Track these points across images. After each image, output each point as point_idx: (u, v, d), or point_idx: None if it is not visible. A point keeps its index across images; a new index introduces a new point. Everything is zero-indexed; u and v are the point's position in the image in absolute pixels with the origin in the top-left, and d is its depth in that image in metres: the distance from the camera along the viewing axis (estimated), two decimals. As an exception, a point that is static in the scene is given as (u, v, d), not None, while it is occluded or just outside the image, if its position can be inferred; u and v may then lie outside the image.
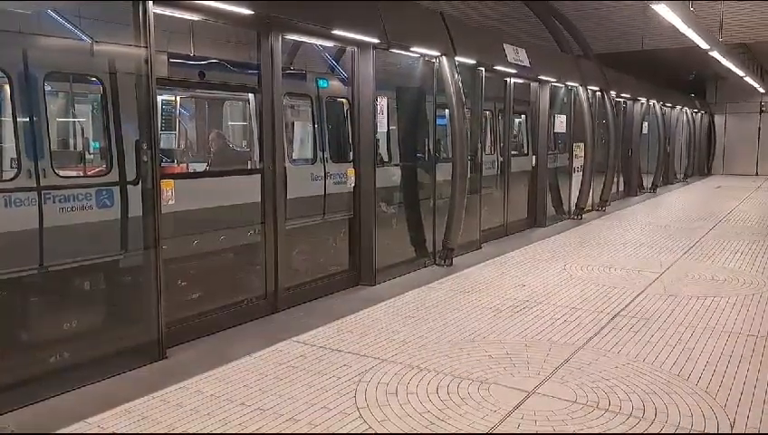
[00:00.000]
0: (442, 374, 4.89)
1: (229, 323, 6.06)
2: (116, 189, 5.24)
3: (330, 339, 5.70)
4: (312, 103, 8.23)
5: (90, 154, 7.83)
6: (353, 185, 7.74)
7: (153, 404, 4.34)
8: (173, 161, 9.01)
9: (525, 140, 13.12)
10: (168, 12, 5.38)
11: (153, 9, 5.09)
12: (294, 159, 8.62)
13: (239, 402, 4.37)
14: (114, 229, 5.28)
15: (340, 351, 5.40)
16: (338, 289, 7.43)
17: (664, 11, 9.66)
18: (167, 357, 5.23)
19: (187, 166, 8.83)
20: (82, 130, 8.43)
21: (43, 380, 4.56)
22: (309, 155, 8.52)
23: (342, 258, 7.93)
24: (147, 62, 5.08)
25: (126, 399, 4.39)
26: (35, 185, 4.74)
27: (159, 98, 8.96)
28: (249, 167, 7.64)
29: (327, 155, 8.00)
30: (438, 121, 9.46)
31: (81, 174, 6.10)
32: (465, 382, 4.73)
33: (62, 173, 5.20)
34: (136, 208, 5.27)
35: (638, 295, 7.20)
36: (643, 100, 18.69)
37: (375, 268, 7.75)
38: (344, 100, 8.27)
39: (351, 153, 7.90)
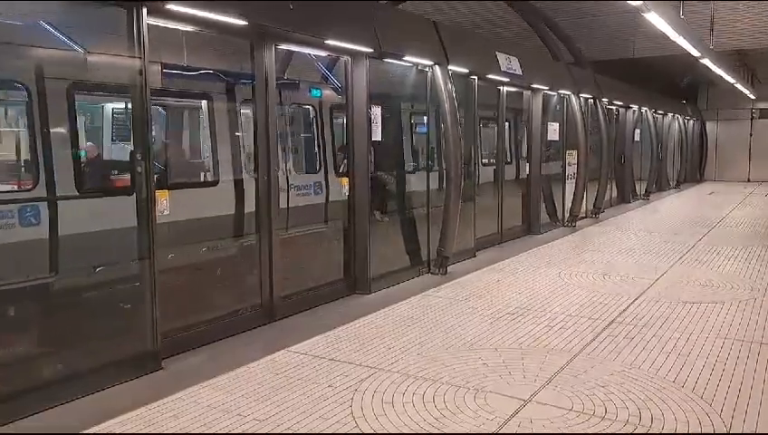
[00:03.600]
0: (438, 383, 4.88)
1: (225, 333, 6.04)
2: (43, 206, 4.80)
3: (326, 348, 5.69)
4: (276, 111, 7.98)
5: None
6: (347, 194, 7.73)
7: (150, 415, 4.33)
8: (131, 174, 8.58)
9: (509, 148, 13.10)
10: (156, 22, 5.38)
11: (148, 20, 5.10)
12: (254, 170, 8.35)
13: (237, 413, 4.36)
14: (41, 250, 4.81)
15: (336, 360, 5.39)
16: (333, 298, 7.41)
17: (655, 19, 9.71)
18: (163, 368, 5.21)
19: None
20: None
21: (39, 392, 4.53)
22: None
23: (320, 276, 7.51)
24: (141, 72, 5.08)
25: (123, 410, 4.36)
26: None
27: (111, 106, 8.61)
28: (203, 179, 7.31)
29: (290, 165, 7.75)
30: (420, 130, 9.34)
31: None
32: (462, 391, 4.73)
33: None
34: (71, 225, 4.86)
35: (633, 302, 7.21)
36: (635, 107, 18.79)
37: (370, 277, 7.74)
38: (310, 106, 8.05)
39: (319, 162, 7.55)
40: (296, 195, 7.61)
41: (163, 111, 8.93)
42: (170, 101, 8.60)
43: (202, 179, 7.86)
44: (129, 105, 8.30)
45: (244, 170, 7.16)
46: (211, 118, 7.69)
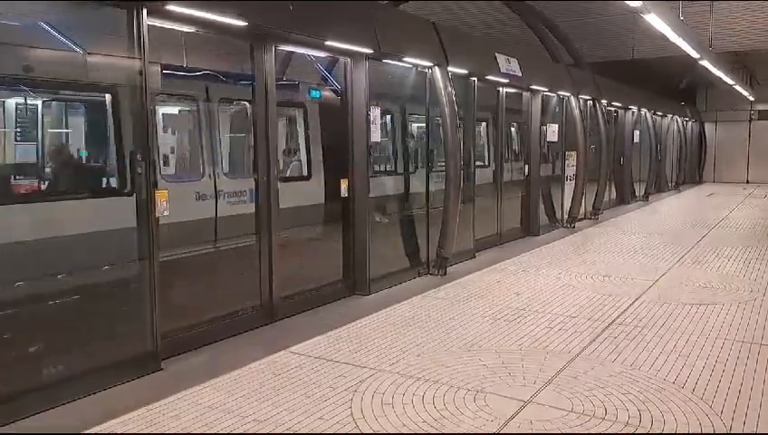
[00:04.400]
0: (438, 384, 4.89)
1: (226, 334, 6.04)
2: None
3: (326, 349, 5.69)
4: (199, 107, 7.02)
5: None
6: (345, 195, 7.71)
7: (150, 416, 4.32)
8: (37, 179, 7.35)
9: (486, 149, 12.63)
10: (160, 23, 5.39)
11: (148, 21, 5.10)
12: (170, 175, 7.41)
13: (237, 413, 4.36)
14: None
15: (336, 361, 5.39)
16: (333, 299, 7.41)
17: (654, 20, 9.73)
18: (162, 369, 5.21)
19: (39, 184, 7.27)
20: None
21: (39, 392, 4.53)
22: (195, 169, 7.29)
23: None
24: (141, 73, 5.09)
25: (123, 410, 4.37)
26: None
27: (13, 101, 7.43)
28: (106, 186, 6.17)
29: (220, 169, 6.91)
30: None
31: None
32: (462, 392, 4.73)
33: None
34: None
35: (633, 303, 7.22)
36: (634, 108, 18.81)
37: (369, 278, 7.74)
38: (246, 102, 6.99)
39: (254, 164, 6.34)
40: (227, 203, 6.72)
41: (57, 108, 7.74)
42: (68, 94, 7.45)
43: (104, 186, 6.76)
44: (35, 101, 7.19)
45: (159, 176, 6.46)
46: (116, 116, 6.56)
